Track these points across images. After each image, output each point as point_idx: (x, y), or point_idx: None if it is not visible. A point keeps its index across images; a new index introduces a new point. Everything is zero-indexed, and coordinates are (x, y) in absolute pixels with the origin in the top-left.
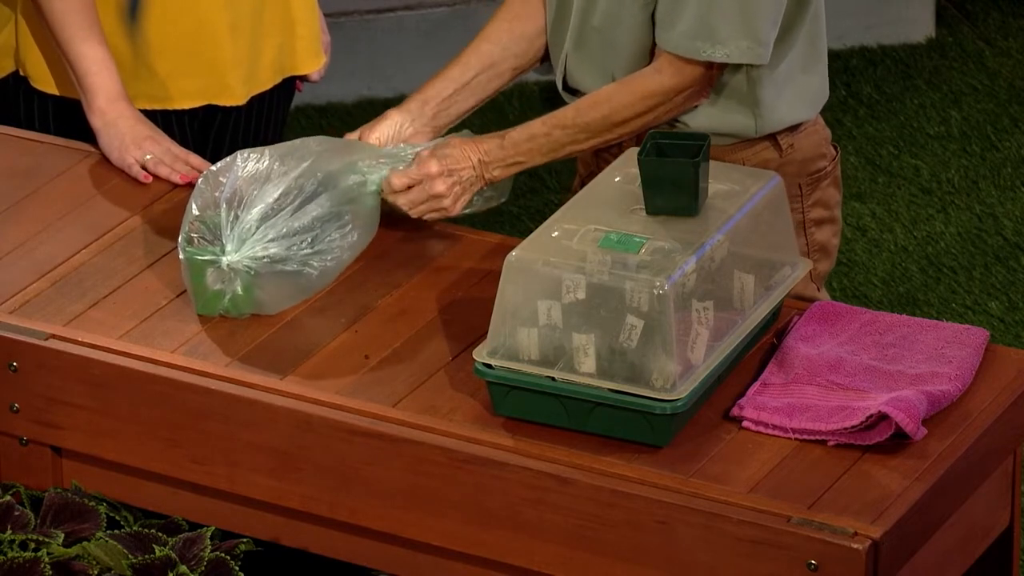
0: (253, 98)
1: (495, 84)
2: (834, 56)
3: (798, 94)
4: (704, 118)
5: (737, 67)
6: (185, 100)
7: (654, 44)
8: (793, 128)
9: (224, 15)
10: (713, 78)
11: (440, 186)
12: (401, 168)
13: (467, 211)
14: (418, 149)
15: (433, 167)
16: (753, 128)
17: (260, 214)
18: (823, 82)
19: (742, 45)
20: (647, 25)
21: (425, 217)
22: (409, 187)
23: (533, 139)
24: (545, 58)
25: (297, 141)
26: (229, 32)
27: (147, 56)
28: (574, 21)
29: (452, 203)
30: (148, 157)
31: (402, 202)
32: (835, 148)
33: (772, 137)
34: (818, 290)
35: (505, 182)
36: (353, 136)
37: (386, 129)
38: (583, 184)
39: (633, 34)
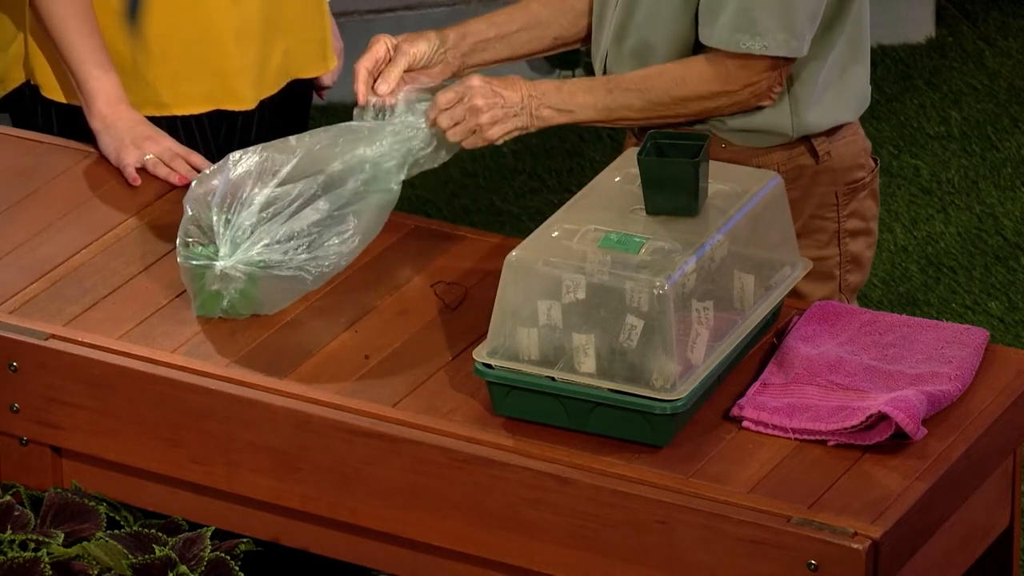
0: (263, 102)
1: (533, 46)
2: None
3: (837, 96)
4: (743, 117)
5: None
6: (191, 106)
7: (694, 45)
8: (831, 133)
9: (230, 21)
10: (781, 77)
11: (479, 100)
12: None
13: (411, 172)
14: (422, 107)
15: (475, 80)
16: (790, 126)
17: (254, 217)
18: (864, 87)
19: (779, 38)
20: (688, 26)
21: (465, 144)
22: (455, 103)
23: (593, 92)
24: (586, 40)
25: (292, 138)
26: (235, 37)
27: (150, 62)
28: (617, 16)
29: (489, 123)
30: (148, 158)
31: (444, 123)
32: (875, 160)
33: (808, 142)
34: (848, 303)
35: (452, 145)
36: (394, 42)
37: (423, 46)
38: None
39: (673, 32)
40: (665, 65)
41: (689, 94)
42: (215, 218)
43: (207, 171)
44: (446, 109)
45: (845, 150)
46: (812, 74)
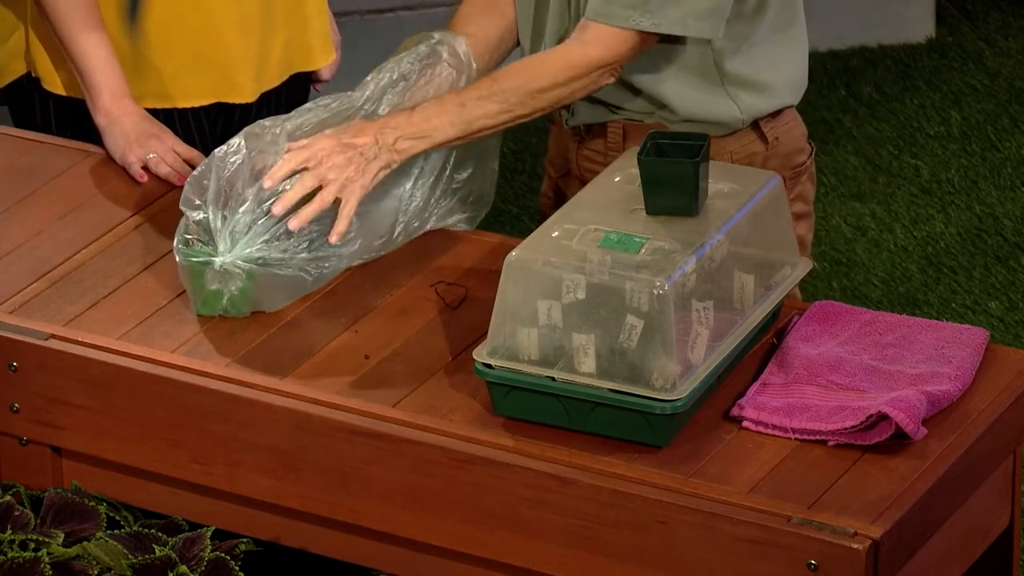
0: (263, 95)
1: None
2: (834, 56)
3: (772, 82)
4: (688, 105)
5: (702, 51)
6: (193, 98)
7: None
8: (776, 117)
9: (232, 13)
10: (632, 54)
11: (337, 157)
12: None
13: (454, 225)
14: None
15: (324, 141)
16: (737, 112)
17: (252, 212)
18: (800, 73)
19: (672, 16)
20: None
21: (341, 196)
22: (316, 165)
23: (445, 112)
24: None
25: (272, 124)
26: (238, 30)
27: (151, 55)
28: (552, 24)
29: (357, 174)
30: (151, 156)
31: (310, 183)
32: (810, 144)
33: (757, 128)
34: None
35: (487, 188)
36: None
37: None
38: (555, 187)
39: None
40: (511, 65)
41: (544, 85)
42: (211, 215)
43: (197, 171)
44: (307, 169)
45: (789, 135)
46: (739, 63)
